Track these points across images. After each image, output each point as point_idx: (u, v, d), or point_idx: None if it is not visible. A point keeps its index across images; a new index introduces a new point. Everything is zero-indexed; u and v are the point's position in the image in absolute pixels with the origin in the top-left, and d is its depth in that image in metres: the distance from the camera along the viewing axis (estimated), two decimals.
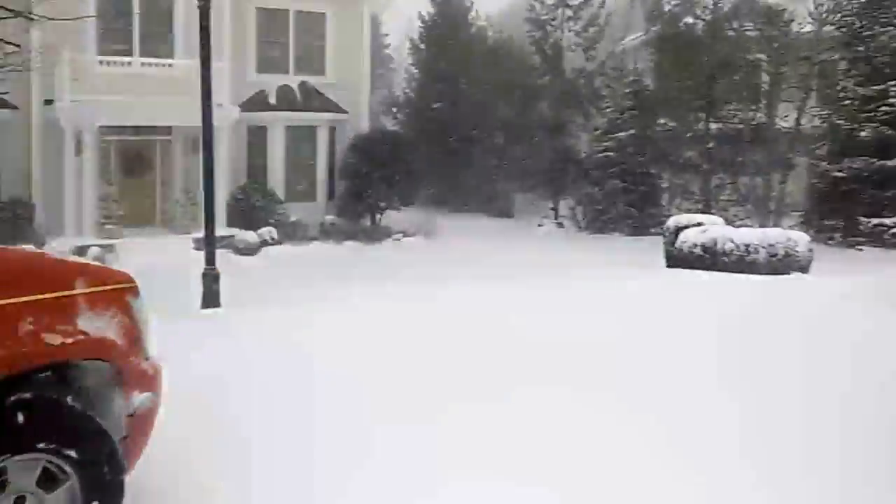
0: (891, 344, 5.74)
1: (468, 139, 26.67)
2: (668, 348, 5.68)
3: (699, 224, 12.66)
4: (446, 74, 27.42)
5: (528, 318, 6.75)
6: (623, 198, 23.10)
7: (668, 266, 12.34)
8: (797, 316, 6.96)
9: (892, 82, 18.74)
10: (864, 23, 20.29)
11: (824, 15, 21.64)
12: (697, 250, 11.89)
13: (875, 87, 19.07)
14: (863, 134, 18.89)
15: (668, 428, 4.09)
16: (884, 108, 18.66)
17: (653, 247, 14.67)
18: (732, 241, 11.70)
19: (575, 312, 7.04)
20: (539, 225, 25.08)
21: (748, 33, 22.57)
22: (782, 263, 11.46)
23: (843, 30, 20.75)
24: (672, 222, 13.18)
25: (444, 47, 28.37)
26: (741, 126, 22.29)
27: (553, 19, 26.88)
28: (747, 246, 11.58)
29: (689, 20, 23.22)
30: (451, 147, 26.79)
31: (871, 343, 5.76)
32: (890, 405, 4.47)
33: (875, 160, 18.71)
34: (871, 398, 4.57)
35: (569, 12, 26.78)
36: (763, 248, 11.55)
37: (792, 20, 22.02)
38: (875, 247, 17.87)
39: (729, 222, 15.06)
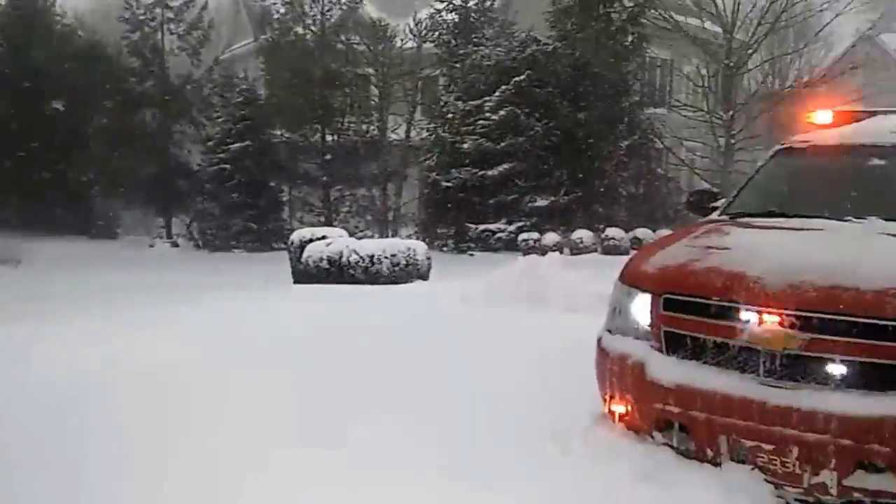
0: (498, 334, 6.48)
1: (53, 150, 24.08)
2: (319, 362, 5.59)
3: (324, 237, 12.80)
4: (21, 76, 24.46)
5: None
6: (243, 212, 22.85)
7: (296, 282, 12.31)
8: (423, 319, 7.40)
9: (487, 98, 21.15)
10: (458, 42, 22.72)
11: (423, 33, 23.79)
12: (324, 264, 12.02)
13: (472, 103, 21.35)
14: (465, 146, 21.04)
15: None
16: (481, 122, 20.98)
17: (278, 262, 14.61)
18: (357, 253, 12.02)
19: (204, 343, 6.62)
20: (150, 245, 23.71)
21: (356, 47, 23.91)
22: (404, 272, 12.10)
23: (442, 48, 22.99)
24: (296, 237, 13.22)
25: (18, 45, 25.23)
26: (356, 138, 23.51)
27: (152, 20, 25.61)
28: (371, 257, 11.99)
29: (300, 30, 23.83)
30: (32, 159, 23.94)
31: (484, 334, 6.49)
32: (508, 380, 5.03)
33: (478, 170, 21.00)
34: (492, 379, 5.08)
35: (169, 13, 25.74)
36: (386, 258, 12.05)
37: (395, 36, 23.85)
38: (484, 251, 20.03)
39: (351, 234, 15.61)
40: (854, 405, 3.08)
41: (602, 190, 21.07)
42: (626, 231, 19.38)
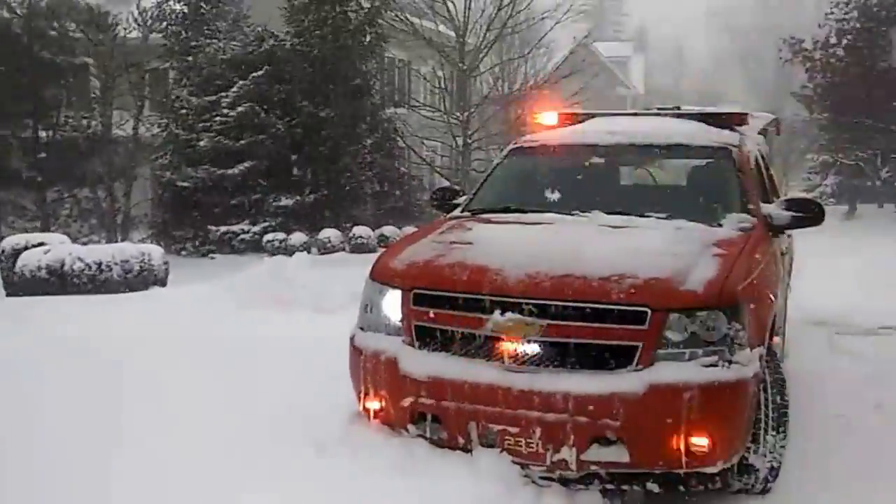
0: (247, 338, 6.45)
1: None
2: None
3: (41, 244, 11.92)
4: None
5: None
6: None
7: (10, 294, 11.28)
8: (161, 329, 7.04)
9: (224, 93, 20.45)
10: (189, 33, 21.72)
11: (149, 22, 22.49)
12: (42, 273, 11.17)
13: (208, 98, 20.51)
14: (202, 143, 20.16)
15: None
16: (218, 119, 20.20)
17: None
18: (82, 260, 11.31)
19: None
20: None
21: (72, 34, 22.04)
22: (139, 279, 11.55)
23: (171, 39, 21.84)
24: (8, 244, 12.12)
25: None
26: (76, 134, 21.71)
27: None
28: (99, 264, 11.35)
29: (4, 13, 21.53)
30: None
31: (233, 339, 6.41)
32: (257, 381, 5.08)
33: (216, 169, 20.22)
34: (247, 382, 5.06)
35: None
36: (116, 264, 11.47)
37: (117, 24, 22.30)
38: (227, 253, 19.37)
39: (75, 240, 14.59)
40: (587, 384, 3.40)
41: (347, 189, 21.24)
42: (374, 229, 19.76)
